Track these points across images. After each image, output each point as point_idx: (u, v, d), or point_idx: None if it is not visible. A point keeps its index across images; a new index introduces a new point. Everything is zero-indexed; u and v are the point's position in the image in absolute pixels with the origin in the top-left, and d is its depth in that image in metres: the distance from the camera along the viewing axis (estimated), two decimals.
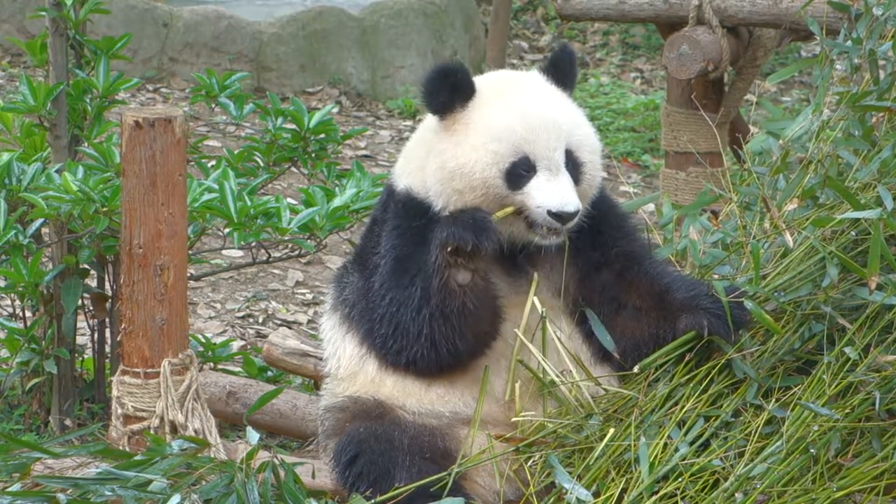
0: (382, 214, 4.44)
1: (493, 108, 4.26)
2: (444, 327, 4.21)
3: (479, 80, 4.35)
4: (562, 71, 4.38)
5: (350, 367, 4.43)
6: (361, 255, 4.47)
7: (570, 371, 4.30)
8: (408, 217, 4.32)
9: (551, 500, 4.18)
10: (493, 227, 4.15)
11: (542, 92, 4.34)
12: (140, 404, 4.54)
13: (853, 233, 4.28)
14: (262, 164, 5.98)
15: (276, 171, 6.00)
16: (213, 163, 5.84)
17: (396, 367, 4.32)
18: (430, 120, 4.39)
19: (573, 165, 4.28)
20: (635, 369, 4.30)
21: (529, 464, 4.24)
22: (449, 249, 4.12)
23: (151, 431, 4.51)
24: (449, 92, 4.26)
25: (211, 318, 7.32)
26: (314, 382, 5.73)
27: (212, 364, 5.93)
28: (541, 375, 4.28)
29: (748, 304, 4.20)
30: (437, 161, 4.26)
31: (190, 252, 5.40)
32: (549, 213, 4.19)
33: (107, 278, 5.70)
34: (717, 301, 4.23)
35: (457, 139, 4.26)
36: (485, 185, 4.22)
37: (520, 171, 4.22)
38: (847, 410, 4.14)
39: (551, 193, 4.20)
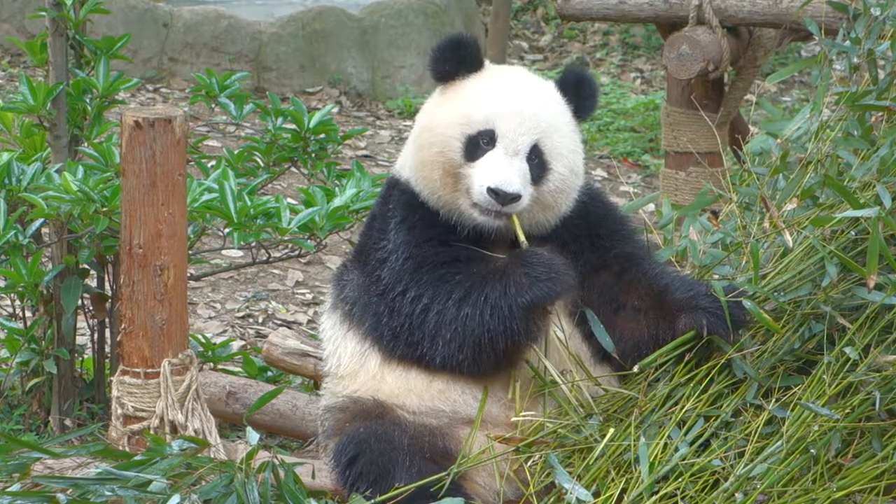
0: (382, 209, 4.45)
1: (489, 82, 4.33)
2: (490, 353, 4.23)
3: (494, 66, 4.43)
4: (570, 88, 4.41)
5: (351, 365, 4.43)
6: (361, 253, 4.48)
7: (571, 371, 4.30)
8: (413, 210, 4.34)
9: (551, 500, 4.18)
10: (570, 272, 4.19)
11: (543, 92, 4.37)
12: (140, 404, 4.54)
13: (853, 232, 4.28)
14: (262, 164, 5.98)
15: (276, 171, 6.00)
16: (213, 163, 5.84)
17: (404, 359, 4.31)
18: (431, 97, 4.43)
19: (540, 165, 4.29)
20: (635, 369, 4.30)
21: (529, 464, 4.24)
22: (546, 307, 4.16)
23: (151, 431, 4.51)
24: (456, 63, 4.33)
25: (211, 318, 7.32)
26: (314, 382, 5.73)
27: (212, 364, 5.93)
28: (542, 375, 4.28)
29: (747, 304, 4.20)
30: (418, 121, 4.34)
31: (190, 252, 5.39)
32: (489, 189, 4.19)
33: (107, 278, 5.69)
34: (716, 301, 4.23)
35: (443, 100, 4.34)
36: (443, 143, 4.26)
37: (480, 142, 4.25)
38: (847, 410, 4.14)
39: (496, 170, 4.21)
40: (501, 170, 4.20)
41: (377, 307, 4.33)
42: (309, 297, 7.72)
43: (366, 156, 10.04)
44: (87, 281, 5.70)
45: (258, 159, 6.00)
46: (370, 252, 4.41)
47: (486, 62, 4.42)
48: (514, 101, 4.28)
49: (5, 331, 5.71)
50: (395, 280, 4.30)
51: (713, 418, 4.22)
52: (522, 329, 4.15)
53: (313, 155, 5.97)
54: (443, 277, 4.25)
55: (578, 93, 4.41)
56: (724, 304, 4.21)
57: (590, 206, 4.44)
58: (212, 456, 4.32)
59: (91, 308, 5.78)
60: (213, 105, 6.02)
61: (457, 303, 4.22)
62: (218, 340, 6.21)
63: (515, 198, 4.19)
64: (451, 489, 4.18)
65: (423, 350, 4.27)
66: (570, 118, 4.40)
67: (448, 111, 4.30)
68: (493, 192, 4.19)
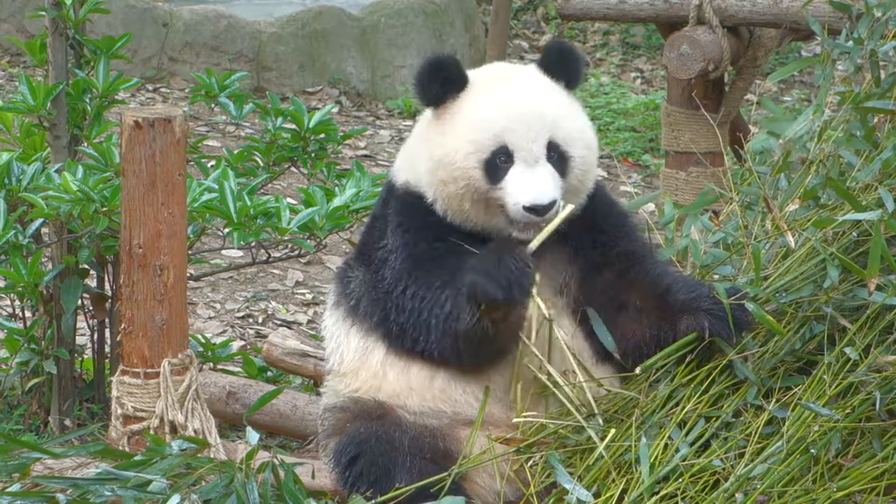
0: (382, 210, 4.45)
1: (480, 99, 4.30)
2: (468, 347, 4.21)
3: (474, 72, 4.40)
4: (555, 66, 4.38)
5: (353, 362, 4.43)
6: (364, 251, 4.47)
7: (573, 371, 4.29)
8: (410, 213, 4.34)
9: (551, 500, 4.18)
10: (528, 274, 4.05)
11: (532, 84, 4.35)
12: (140, 404, 4.53)
13: (854, 233, 4.28)
14: (261, 163, 5.98)
15: (276, 171, 6.00)
16: (213, 163, 5.84)
17: (411, 352, 4.31)
18: (427, 113, 4.41)
19: (560, 158, 4.27)
20: (637, 371, 4.29)
21: (530, 464, 4.24)
22: (479, 303, 4.08)
23: (151, 431, 4.50)
24: (441, 85, 4.31)
25: (211, 318, 7.32)
26: (314, 382, 5.73)
27: (212, 364, 5.92)
28: (544, 377, 4.28)
29: (749, 306, 4.19)
30: (426, 151, 4.31)
31: (190, 252, 5.39)
32: (525, 207, 4.19)
33: (106, 278, 5.69)
34: (719, 302, 4.22)
35: (444, 129, 4.30)
36: (465, 175, 4.25)
37: (497, 162, 4.24)
38: (847, 411, 4.13)
39: (525, 187, 4.20)
40: (530, 184, 4.20)
41: (385, 303, 4.33)
42: (309, 297, 7.71)
43: (366, 156, 10.03)
44: (87, 281, 5.69)
45: (258, 159, 6.00)
46: (372, 251, 4.41)
47: (468, 73, 4.38)
48: (514, 108, 4.25)
49: (5, 331, 5.70)
50: (397, 279, 4.30)
51: (714, 419, 4.22)
52: (461, 314, 4.12)
53: (313, 155, 5.97)
54: (434, 272, 4.26)
55: (565, 66, 4.38)
56: (727, 306, 4.20)
57: (594, 200, 4.43)
58: (212, 456, 4.31)
59: (91, 308, 5.78)
60: (212, 105, 6.02)
61: (441, 290, 4.23)
62: (218, 340, 6.21)
63: (553, 204, 4.20)
64: (451, 489, 4.18)
65: (424, 345, 4.27)
66: (566, 95, 4.37)
67: (456, 140, 4.27)
68: (531, 210, 4.19)
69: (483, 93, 4.31)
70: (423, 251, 4.30)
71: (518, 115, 4.25)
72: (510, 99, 4.28)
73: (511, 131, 4.24)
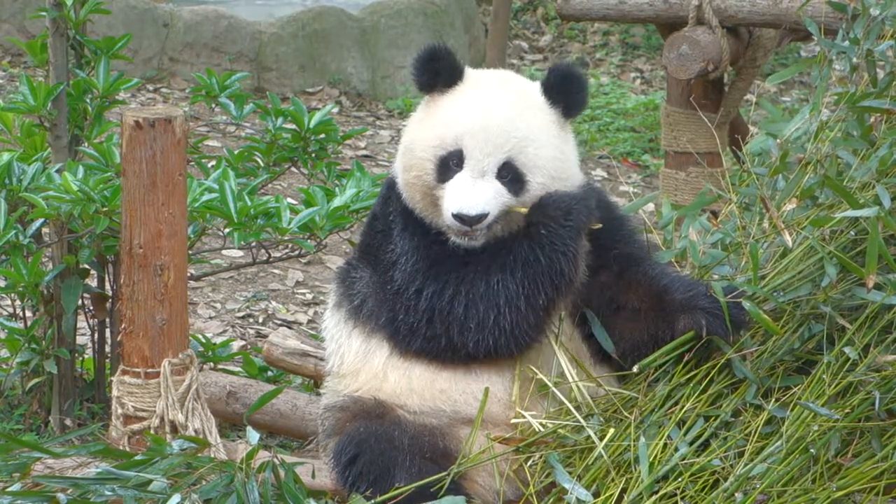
0: (383, 209, 4.45)
1: (461, 98, 4.31)
2: (529, 312, 4.23)
3: (475, 72, 4.41)
4: (555, 89, 4.33)
5: (354, 363, 4.43)
6: (367, 252, 4.46)
7: (572, 371, 4.30)
8: (413, 215, 4.34)
9: (551, 500, 4.18)
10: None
11: (516, 100, 4.31)
12: (140, 404, 4.54)
13: (852, 232, 4.28)
14: (262, 164, 5.99)
15: (276, 171, 6.00)
16: (213, 163, 5.84)
17: (421, 353, 4.30)
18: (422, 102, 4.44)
19: (515, 179, 4.24)
20: (634, 369, 4.30)
21: (529, 464, 4.25)
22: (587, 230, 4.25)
23: (151, 431, 4.51)
24: (432, 74, 4.32)
25: (211, 318, 7.32)
26: (314, 382, 5.74)
27: (212, 364, 5.93)
28: (546, 377, 4.28)
29: (746, 305, 4.19)
30: (403, 141, 4.37)
31: (190, 252, 5.40)
32: (453, 214, 4.20)
33: (107, 278, 5.70)
34: (716, 301, 4.22)
35: (424, 116, 4.35)
36: (420, 165, 4.27)
37: (450, 163, 4.25)
38: (847, 410, 4.14)
39: (458, 195, 4.21)
40: (464, 194, 4.20)
41: (393, 304, 4.32)
42: (309, 297, 7.72)
43: (366, 156, 10.04)
44: (88, 281, 5.70)
45: (258, 159, 6.00)
46: (377, 253, 4.40)
47: (468, 71, 4.38)
48: (482, 118, 4.24)
49: (6, 331, 5.71)
50: (409, 280, 4.29)
51: (713, 418, 4.22)
52: (573, 259, 4.19)
53: (313, 155, 5.98)
54: (460, 264, 4.25)
55: (565, 91, 4.34)
56: (724, 304, 4.21)
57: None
58: (212, 456, 4.32)
59: (91, 308, 5.79)
60: (213, 105, 6.02)
61: (483, 276, 4.22)
62: (218, 340, 6.22)
63: (481, 217, 4.20)
64: (451, 489, 4.19)
65: (449, 340, 4.25)
66: (551, 123, 4.32)
67: (425, 131, 4.30)
68: (458, 217, 4.20)
69: (468, 93, 4.32)
70: (437, 251, 4.28)
71: (482, 125, 4.24)
72: (484, 108, 4.27)
73: (470, 137, 4.23)
